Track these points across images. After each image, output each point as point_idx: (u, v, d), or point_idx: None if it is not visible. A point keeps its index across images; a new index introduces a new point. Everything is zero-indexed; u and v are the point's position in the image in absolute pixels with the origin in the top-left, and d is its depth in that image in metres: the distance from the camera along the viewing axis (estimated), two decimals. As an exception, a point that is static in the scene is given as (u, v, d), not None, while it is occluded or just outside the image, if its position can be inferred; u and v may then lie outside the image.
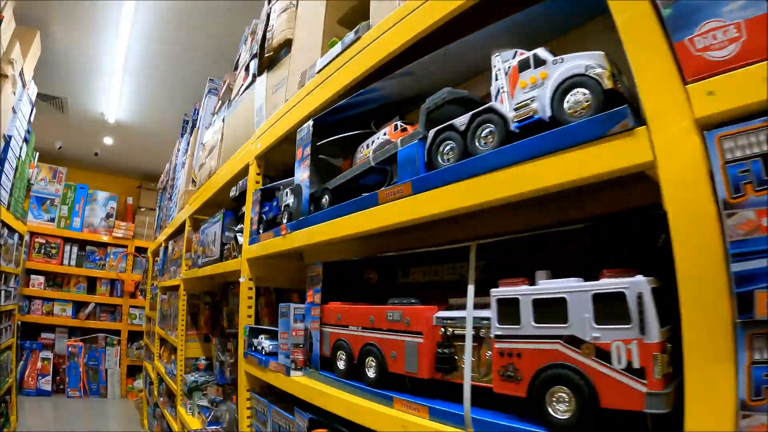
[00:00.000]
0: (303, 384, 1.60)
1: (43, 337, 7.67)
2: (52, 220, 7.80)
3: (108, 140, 7.51)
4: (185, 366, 3.76)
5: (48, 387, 7.39)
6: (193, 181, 4.02)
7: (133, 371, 8.10)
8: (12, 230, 5.32)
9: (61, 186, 7.89)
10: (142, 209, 8.31)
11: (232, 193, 2.66)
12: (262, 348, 2.02)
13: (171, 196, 5.16)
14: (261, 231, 2.13)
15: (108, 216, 8.13)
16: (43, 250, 7.69)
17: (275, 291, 2.69)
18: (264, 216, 2.14)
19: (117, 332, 8.10)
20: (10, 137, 5.03)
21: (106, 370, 7.90)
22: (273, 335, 2.04)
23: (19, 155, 5.43)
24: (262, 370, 1.96)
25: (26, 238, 6.15)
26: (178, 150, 5.28)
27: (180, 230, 4.32)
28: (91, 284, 8.10)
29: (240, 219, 2.60)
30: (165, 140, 6.88)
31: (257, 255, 2.13)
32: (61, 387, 7.58)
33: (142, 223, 8.26)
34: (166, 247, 4.96)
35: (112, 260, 8.10)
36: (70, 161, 8.18)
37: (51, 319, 7.70)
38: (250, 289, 2.27)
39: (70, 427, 6.07)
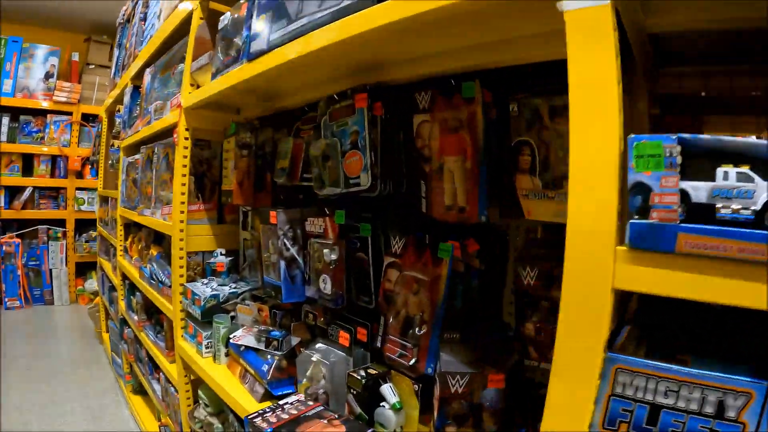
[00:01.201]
0: None
1: (-31, 235, 5.61)
2: (-27, 84, 5.54)
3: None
4: (187, 266, 2.04)
5: (-21, 298, 5.45)
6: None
7: (84, 270, 6.20)
8: None
9: (-15, 40, 5.59)
10: (91, 66, 6.06)
11: None
12: None
13: (144, 16, 3.19)
14: None
15: (48, 76, 5.88)
16: (-37, 125, 5.51)
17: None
18: None
19: (61, 222, 6.07)
20: None
21: (51, 270, 5.96)
22: None
23: None
24: None
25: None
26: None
27: (168, 46, 2.44)
28: (27, 163, 5.92)
29: None
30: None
31: None
32: (-4, 296, 5.64)
33: (90, 84, 6.03)
34: (138, 86, 3.06)
35: (53, 132, 5.93)
36: (-5, 7, 5.78)
37: (-24, 210, 5.60)
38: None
39: (11, 349, 4.29)
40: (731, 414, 0.58)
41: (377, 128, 1.21)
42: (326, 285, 1.29)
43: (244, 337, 1.56)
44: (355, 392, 1.20)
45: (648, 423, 0.63)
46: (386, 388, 1.17)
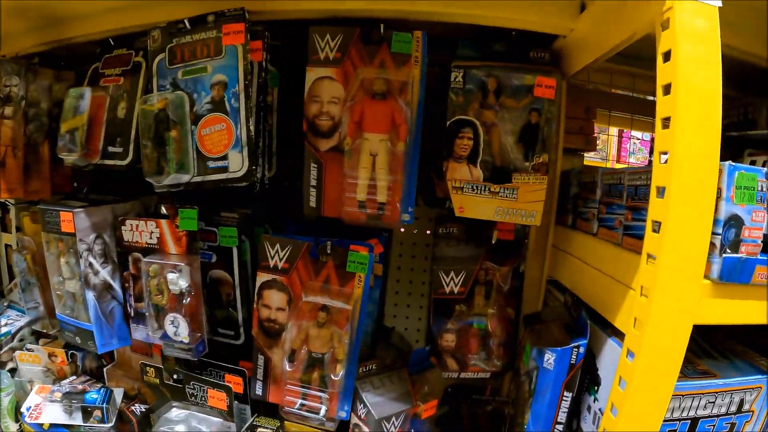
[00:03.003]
0: None
1: None
2: None
3: None
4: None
5: None
6: None
7: None
8: None
9: None
10: None
11: None
12: None
13: None
14: None
15: None
16: None
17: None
18: None
19: None
20: None
21: None
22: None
23: None
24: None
25: None
26: None
27: None
28: None
29: None
30: None
31: None
32: None
33: None
34: None
35: None
36: None
37: None
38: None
39: None
40: (746, 407, 0.65)
41: (254, 81, 0.76)
42: (179, 329, 0.82)
43: (46, 407, 1.00)
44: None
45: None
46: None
